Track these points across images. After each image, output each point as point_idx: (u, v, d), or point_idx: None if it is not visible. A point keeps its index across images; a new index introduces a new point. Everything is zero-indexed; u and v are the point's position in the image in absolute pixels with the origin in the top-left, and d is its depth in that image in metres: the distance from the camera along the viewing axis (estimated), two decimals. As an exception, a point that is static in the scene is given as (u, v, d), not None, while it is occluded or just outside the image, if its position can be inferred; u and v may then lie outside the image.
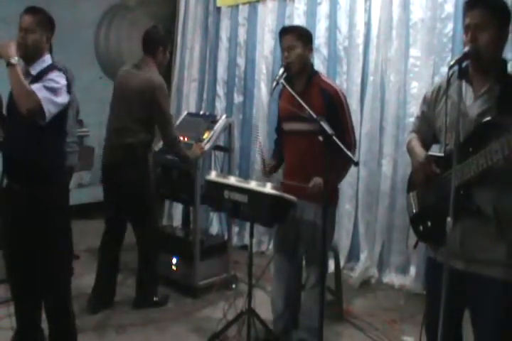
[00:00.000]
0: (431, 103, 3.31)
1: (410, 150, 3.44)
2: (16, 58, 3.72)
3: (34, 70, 3.94)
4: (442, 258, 2.93)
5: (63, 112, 3.99)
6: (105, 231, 5.66)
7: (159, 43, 5.39)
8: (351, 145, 4.20)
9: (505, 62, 3.08)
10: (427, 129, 3.39)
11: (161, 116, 5.22)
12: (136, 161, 5.30)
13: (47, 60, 4.04)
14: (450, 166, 2.84)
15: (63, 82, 3.92)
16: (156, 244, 5.58)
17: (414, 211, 3.39)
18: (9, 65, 3.70)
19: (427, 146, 3.38)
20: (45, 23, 4.04)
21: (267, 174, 4.51)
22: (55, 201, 4.06)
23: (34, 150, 3.91)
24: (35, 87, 3.74)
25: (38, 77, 3.88)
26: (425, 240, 3.31)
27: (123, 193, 5.40)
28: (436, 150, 3.38)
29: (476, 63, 2.99)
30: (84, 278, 6.07)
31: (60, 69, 3.99)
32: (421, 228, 3.29)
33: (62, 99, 3.89)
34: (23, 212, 3.96)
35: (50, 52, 5.71)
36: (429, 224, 3.18)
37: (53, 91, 3.81)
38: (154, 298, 5.53)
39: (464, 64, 2.97)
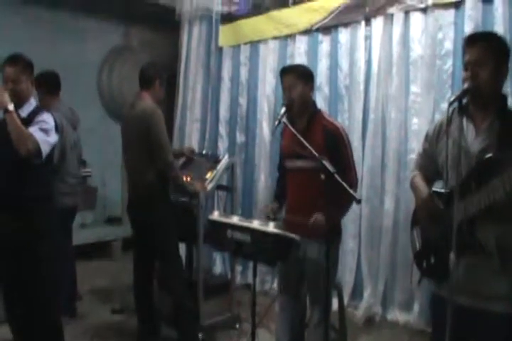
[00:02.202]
0: (433, 140, 3.34)
1: (413, 188, 3.45)
2: (12, 105, 3.86)
3: (23, 113, 4.12)
4: (446, 294, 2.92)
5: (51, 150, 4.16)
6: (134, 269, 5.65)
7: (155, 76, 5.46)
8: (353, 182, 4.20)
9: (505, 98, 3.12)
10: (429, 166, 3.40)
11: (156, 140, 5.23)
12: (157, 198, 5.35)
13: (32, 102, 4.24)
14: (452, 203, 2.85)
15: (52, 122, 4.16)
16: (181, 278, 5.56)
17: (417, 247, 3.38)
18: (6, 112, 3.90)
19: (430, 183, 3.40)
20: (28, 69, 4.22)
21: (272, 218, 4.50)
22: (38, 231, 4.13)
23: (18, 184, 4.05)
24: (32, 130, 3.95)
25: (28, 119, 4.05)
26: (429, 276, 3.31)
27: (148, 229, 5.41)
28: (439, 187, 3.39)
29: (476, 99, 3.03)
30: (87, 318, 6.07)
31: (47, 112, 4.23)
32: (424, 264, 3.29)
33: (53, 138, 4.13)
34: (12, 242, 4.08)
35: (58, 92, 5.85)
36: (432, 260, 3.18)
37: (46, 132, 4.05)
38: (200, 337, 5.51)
39: (465, 101, 3.00)
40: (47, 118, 4.09)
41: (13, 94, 4.00)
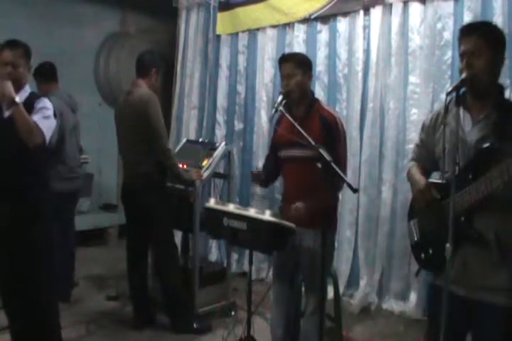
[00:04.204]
0: (429, 130, 3.33)
1: (410, 178, 3.44)
2: (18, 97, 3.88)
3: (20, 99, 4.01)
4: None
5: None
6: (128, 257, 5.72)
7: (152, 65, 5.50)
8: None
9: (501, 88, 3.11)
10: (426, 157, 3.39)
11: (153, 127, 5.25)
12: (152, 187, 5.38)
13: (27, 88, 4.19)
14: (449, 193, 2.85)
15: (52, 107, 4.13)
16: (176, 267, 5.63)
17: (415, 239, 3.37)
18: (14, 104, 3.86)
19: (427, 173, 3.38)
20: (26, 54, 4.16)
21: (256, 181, 4.51)
22: (32, 217, 4.11)
23: (15, 172, 4.03)
24: (37, 118, 3.93)
25: (25, 105, 3.96)
26: (427, 267, 3.30)
27: (141, 217, 5.47)
28: (436, 177, 3.38)
29: (473, 89, 3.03)
30: (83, 305, 6.07)
31: (43, 96, 4.22)
32: (422, 255, 3.28)
33: (54, 123, 4.13)
34: (6, 229, 4.05)
35: (54, 81, 5.88)
36: (430, 251, 3.17)
37: (49, 118, 4.03)
38: (194, 325, 5.52)
39: (462, 91, 3.00)
40: (46, 104, 4.07)
41: (11, 79, 3.96)
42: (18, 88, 4.05)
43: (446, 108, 2.95)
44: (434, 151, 3.28)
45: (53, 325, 4.32)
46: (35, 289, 4.15)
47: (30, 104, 4.01)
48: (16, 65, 4.03)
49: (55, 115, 4.17)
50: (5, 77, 3.97)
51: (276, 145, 4.58)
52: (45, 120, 3.97)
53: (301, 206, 4.00)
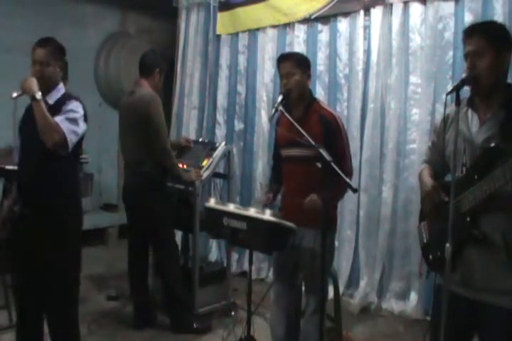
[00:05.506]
0: (440, 132, 3.32)
1: (420, 180, 3.44)
2: (40, 93, 3.84)
3: (51, 99, 4.03)
4: (452, 286, 2.94)
5: (79, 140, 4.09)
6: (129, 257, 5.75)
7: (156, 65, 5.50)
8: (348, 172, 4.17)
9: (509, 87, 3.08)
10: (437, 159, 3.38)
11: (154, 128, 5.26)
12: (153, 187, 5.39)
13: (61, 88, 4.15)
14: (458, 194, 2.86)
15: (81, 111, 4.06)
16: (176, 267, 5.62)
17: (424, 240, 3.37)
18: (34, 100, 3.84)
19: (439, 176, 3.38)
20: (58, 53, 4.13)
21: (269, 203, 4.50)
22: (65, 227, 4.08)
23: (46, 177, 3.98)
24: (58, 119, 3.87)
25: (55, 107, 3.97)
26: (436, 269, 3.28)
27: (142, 217, 5.49)
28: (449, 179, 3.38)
29: (477, 90, 3.02)
30: (83, 305, 6.02)
31: (76, 99, 4.12)
32: (431, 257, 3.28)
33: (81, 128, 4.03)
34: (33, 237, 4.00)
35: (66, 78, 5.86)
36: (438, 253, 3.16)
37: (74, 121, 3.95)
38: (194, 325, 5.51)
39: (469, 92, 3.01)
40: (75, 107, 4.02)
41: (41, 77, 3.95)
42: (49, 87, 4.04)
43: (457, 107, 2.94)
44: (444, 153, 3.27)
45: (75, 324, 4.34)
46: (66, 295, 4.16)
47: (59, 106, 4.00)
48: (44, 63, 4.00)
49: (85, 119, 4.12)
50: (33, 74, 3.97)
51: (278, 144, 4.59)
52: (68, 122, 3.91)
53: (316, 198, 3.98)
